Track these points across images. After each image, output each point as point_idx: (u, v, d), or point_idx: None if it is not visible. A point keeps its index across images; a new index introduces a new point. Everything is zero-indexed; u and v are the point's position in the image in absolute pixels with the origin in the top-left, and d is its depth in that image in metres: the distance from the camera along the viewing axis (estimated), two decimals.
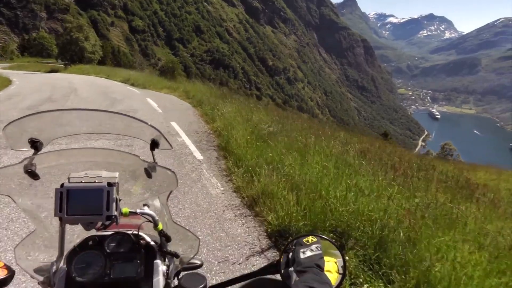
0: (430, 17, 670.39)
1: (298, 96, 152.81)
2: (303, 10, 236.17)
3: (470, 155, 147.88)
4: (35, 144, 0.88)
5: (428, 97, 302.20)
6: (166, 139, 0.99)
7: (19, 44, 69.62)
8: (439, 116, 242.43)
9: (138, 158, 0.97)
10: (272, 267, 0.91)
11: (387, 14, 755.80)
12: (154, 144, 0.99)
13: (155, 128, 0.97)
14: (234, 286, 0.91)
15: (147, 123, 0.98)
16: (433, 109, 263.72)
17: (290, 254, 0.92)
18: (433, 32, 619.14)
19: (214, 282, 0.78)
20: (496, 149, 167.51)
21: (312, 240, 0.93)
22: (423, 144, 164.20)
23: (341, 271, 0.90)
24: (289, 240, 0.93)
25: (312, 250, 0.91)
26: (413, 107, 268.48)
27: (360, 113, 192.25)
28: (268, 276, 0.96)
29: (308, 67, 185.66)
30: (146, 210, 0.92)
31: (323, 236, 0.92)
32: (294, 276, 0.87)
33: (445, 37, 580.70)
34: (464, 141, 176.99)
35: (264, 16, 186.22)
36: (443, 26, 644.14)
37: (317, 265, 0.88)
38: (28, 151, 0.88)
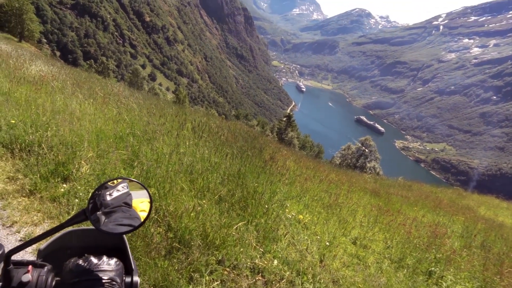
0: None
1: (178, 59, 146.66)
2: None
3: (323, 123, 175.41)
4: None
5: (297, 71, 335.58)
6: None
7: None
8: (304, 89, 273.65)
9: None
10: (78, 217, 0.89)
11: None
12: None
13: None
14: (42, 242, 0.88)
15: None
16: (300, 82, 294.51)
17: (97, 199, 0.93)
18: (304, 12, 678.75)
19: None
20: (344, 119, 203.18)
21: (118, 181, 0.96)
22: (291, 113, 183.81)
23: (146, 208, 0.95)
24: (95, 188, 0.86)
25: (118, 191, 0.93)
26: (284, 79, 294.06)
27: (238, 81, 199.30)
28: (77, 227, 0.97)
29: (189, 29, 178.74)
30: None
31: (130, 178, 0.95)
32: (103, 219, 0.90)
33: (313, 18, 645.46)
34: (320, 112, 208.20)
35: None
36: (312, 7, 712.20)
37: (125, 203, 0.92)
38: None
